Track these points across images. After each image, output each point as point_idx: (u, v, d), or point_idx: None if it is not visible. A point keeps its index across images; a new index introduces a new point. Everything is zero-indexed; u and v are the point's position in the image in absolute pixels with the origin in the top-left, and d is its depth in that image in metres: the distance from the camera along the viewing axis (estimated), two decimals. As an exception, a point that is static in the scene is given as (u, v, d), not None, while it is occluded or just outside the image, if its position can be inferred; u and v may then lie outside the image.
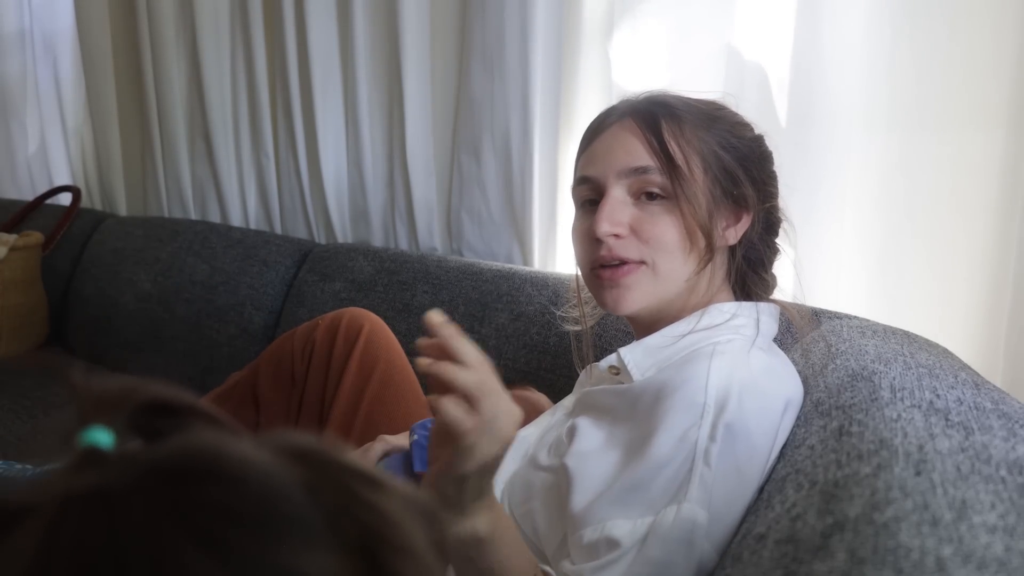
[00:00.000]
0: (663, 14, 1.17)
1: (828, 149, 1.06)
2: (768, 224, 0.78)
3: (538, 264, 1.40)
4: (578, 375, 0.90)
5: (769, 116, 1.08)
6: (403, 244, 1.57)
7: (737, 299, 0.78)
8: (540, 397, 1.02)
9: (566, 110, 1.32)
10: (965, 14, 0.96)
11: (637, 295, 0.73)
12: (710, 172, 0.72)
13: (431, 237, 1.53)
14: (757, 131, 0.78)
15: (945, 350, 0.76)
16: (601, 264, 0.73)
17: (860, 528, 0.40)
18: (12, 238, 1.74)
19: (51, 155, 2.26)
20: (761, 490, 0.60)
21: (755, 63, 1.11)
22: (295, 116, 1.63)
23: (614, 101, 1.23)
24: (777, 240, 0.81)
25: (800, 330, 0.87)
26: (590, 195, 0.76)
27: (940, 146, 1.00)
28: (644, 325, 0.77)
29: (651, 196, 0.72)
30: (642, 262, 0.72)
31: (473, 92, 1.39)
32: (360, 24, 1.49)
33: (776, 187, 0.79)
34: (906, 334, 0.79)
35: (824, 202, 1.07)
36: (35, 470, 1.02)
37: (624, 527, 0.59)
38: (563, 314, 0.99)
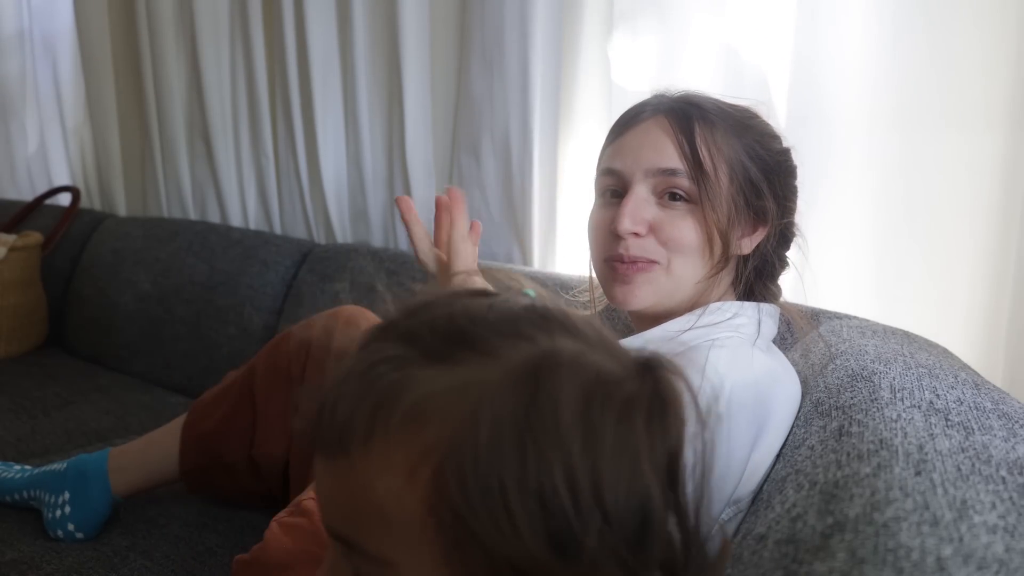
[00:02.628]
0: (663, 14, 1.17)
1: (828, 149, 1.06)
2: (783, 238, 0.78)
3: (537, 264, 1.40)
4: None
5: (768, 116, 1.08)
6: (403, 244, 1.57)
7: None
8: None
9: (566, 110, 1.32)
10: (965, 14, 0.96)
11: (646, 293, 0.73)
12: (736, 181, 0.72)
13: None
14: (785, 144, 0.78)
15: (945, 350, 0.76)
16: (617, 259, 0.74)
17: (860, 528, 0.40)
18: (11, 238, 1.74)
19: (50, 155, 2.26)
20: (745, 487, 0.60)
21: (755, 63, 1.11)
22: (295, 116, 1.62)
23: (614, 101, 1.25)
24: (788, 254, 0.81)
25: (800, 330, 0.87)
26: (614, 186, 0.76)
27: (940, 146, 1.00)
28: (646, 319, 0.77)
29: (674, 197, 0.72)
30: (656, 262, 0.73)
31: (473, 92, 1.38)
32: (360, 24, 1.49)
33: (796, 202, 0.79)
34: (906, 334, 0.79)
35: (824, 202, 1.07)
36: (34, 471, 1.02)
37: None
38: (572, 298, 0.99)
